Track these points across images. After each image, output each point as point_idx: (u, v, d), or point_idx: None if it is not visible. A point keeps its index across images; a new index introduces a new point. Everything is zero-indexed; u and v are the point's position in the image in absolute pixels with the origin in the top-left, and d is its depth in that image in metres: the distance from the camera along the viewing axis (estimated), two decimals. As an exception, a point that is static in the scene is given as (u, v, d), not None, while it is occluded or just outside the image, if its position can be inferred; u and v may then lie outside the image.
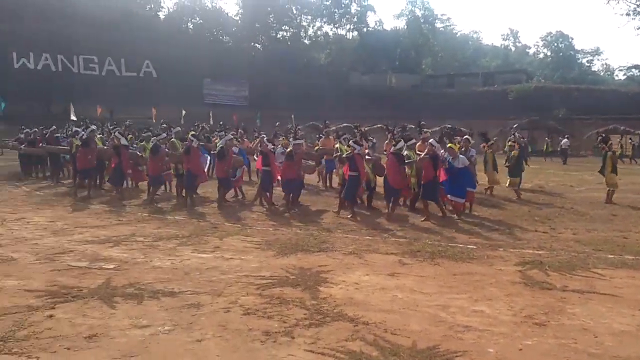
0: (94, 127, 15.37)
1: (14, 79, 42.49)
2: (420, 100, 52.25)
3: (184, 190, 12.46)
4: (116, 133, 14.16)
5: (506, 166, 14.24)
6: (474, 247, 8.14)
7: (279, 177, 12.04)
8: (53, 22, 45.72)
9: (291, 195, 11.76)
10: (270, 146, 12.20)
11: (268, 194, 11.95)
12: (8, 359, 4.13)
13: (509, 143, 14.93)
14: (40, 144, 16.84)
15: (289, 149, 11.84)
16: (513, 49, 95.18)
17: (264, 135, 14.12)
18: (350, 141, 11.55)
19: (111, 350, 4.29)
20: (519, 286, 6.12)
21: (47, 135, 17.19)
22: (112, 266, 6.86)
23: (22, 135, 18.40)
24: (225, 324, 4.88)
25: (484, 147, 14.21)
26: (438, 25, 78.56)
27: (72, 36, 46.80)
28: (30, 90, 41.05)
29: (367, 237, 8.86)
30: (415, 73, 67.11)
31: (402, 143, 10.96)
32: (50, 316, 5.02)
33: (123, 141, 13.40)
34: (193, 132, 14.39)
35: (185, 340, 4.50)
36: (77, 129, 15.86)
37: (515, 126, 29.01)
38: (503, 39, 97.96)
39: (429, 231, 9.43)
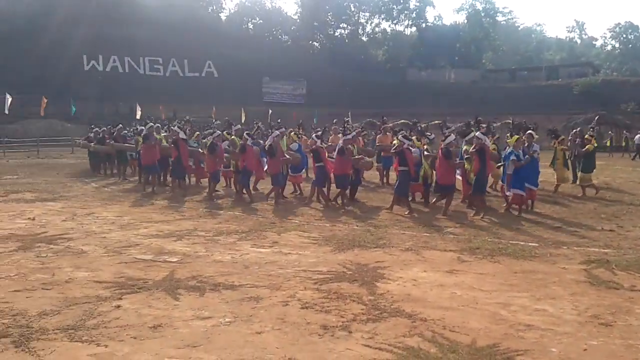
0: (151, 123, 15.92)
1: (84, 80, 44.52)
2: (481, 96, 51.19)
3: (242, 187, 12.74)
4: (175, 127, 14.55)
5: (569, 160, 13.80)
6: (536, 244, 7.91)
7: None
8: (121, 26, 47.62)
9: (347, 190, 11.80)
10: (318, 142, 12.27)
11: (325, 190, 12.01)
12: (79, 346, 4.33)
13: (587, 135, 14.33)
14: (108, 142, 17.55)
15: (339, 145, 11.86)
16: (579, 41, 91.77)
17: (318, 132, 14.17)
18: (399, 135, 11.49)
19: (175, 340, 4.44)
20: (583, 285, 5.92)
21: (114, 134, 17.90)
22: (175, 259, 7.09)
23: (92, 134, 19.23)
24: (283, 317, 4.95)
25: (554, 143, 13.79)
26: (499, 18, 76.53)
27: (138, 39, 48.63)
28: (99, 91, 42.88)
29: (425, 234, 8.76)
30: (475, 68, 65.75)
31: (451, 137, 10.84)
32: (118, 306, 5.24)
33: (181, 135, 13.78)
34: (248, 132, 14.63)
35: (245, 332, 4.60)
36: (142, 127, 16.45)
37: (580, 120, 27.91)
38: (568, 31, 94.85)
39: (488, 228, 9.24)
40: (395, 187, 11.16)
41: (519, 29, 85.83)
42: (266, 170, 12.84)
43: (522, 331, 4.61)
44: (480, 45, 70.94)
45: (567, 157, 13.88)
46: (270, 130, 15.73)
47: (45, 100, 33.21)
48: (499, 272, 6.45)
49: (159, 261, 7.01)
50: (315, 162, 12.04)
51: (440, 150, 10.77)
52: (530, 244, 7.97)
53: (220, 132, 14.21)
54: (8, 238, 8.35)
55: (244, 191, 12.57)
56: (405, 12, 69.08)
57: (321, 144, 12.30)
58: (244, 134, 13.21)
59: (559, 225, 9.50)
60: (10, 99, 31.10)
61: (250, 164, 12.47)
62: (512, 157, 10.30)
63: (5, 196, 13.15)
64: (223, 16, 65.23)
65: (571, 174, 14.41)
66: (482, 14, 72.28)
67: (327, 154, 12.06)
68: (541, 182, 13.53)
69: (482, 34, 70.17)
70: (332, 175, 11.99)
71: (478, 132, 10.77)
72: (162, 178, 15.30)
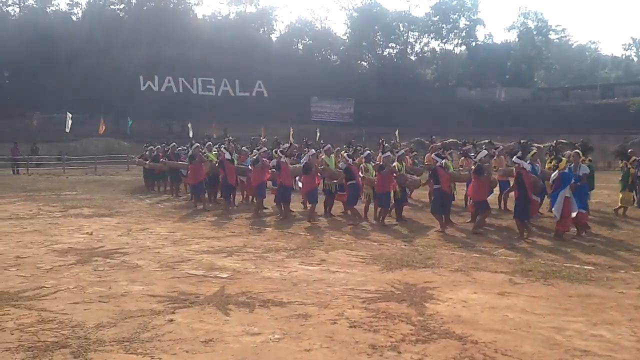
0: (209, 142, 16.34)
1: (140, 100, 46.05)
2: (532, 114, 50.06)
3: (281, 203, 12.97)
4: (222, 148, 14.95)
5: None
6: (592, 268, 7.65)
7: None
8: (176, 48, 49.20)
9: (394, 209, 11.84)
10: (350, 161, 12.36)
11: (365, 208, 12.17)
12: (134, 358, 4.47)
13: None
14: (162, 160, 18.06)
15: (379, 162, 11.94)
16: (635, 59, 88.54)
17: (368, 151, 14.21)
18: (433, 154, 11.50)
19: (226, 355, 4.52)
20: (643, 311, 5.69)
21: (168, 152, 18.41)
22: (226, 275, 7.23)
23: (147, 152, 19.84)
24: (332, 335, 4.97)
25: (625, 164, 13.33)
26: (552, 36, 74.79)
27: (192, 60, 50.08)
28: (154, 111, 44.24)
29: (475, 255, 8.62)
30: (527, 86, 64.43)
31: (482, 153, 11.07)
32: (171, 320, 5.37)
33: (227, 155, 14.06)
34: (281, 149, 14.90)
35: (294, 349, 4.64)
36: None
37: (637, 140, 26.85)
38: (624, 49, 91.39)
39: (541, 250, 8.99)
40: (431, 206, 11.35)
41: (573, 46, 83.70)
42: (301, 187, 13.06)
43: (577, 357, 4.48)
44: (531, 64, 69.55)
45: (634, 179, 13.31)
46: (306, 149, 15.99)
47: (103, 121, 34.57)
48: (553, 296, 6.28)
49: (210, 277, 7.15)
50: (347, 180, 12.15)
51: (472, 167, 10.83)
52: (585, 267, 7.72)
53: (266, 149, 14.52)
54: (67, 252, 8.70)
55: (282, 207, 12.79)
56: (455, 31, 68.53)
57: (352, 162, 12.43)
58: (278, 151, 13.47)
59: (617, 248, 9.16)
60: (71, 119, 32.57)
61: (286, 180, 12.76)
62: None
63: (64, 211, 13.71)
64: (274, 37, 66.48)
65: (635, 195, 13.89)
66: (534, 32, 70.92)
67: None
68: (597, 204, 13.14)
69: (534, 52, 68.82)
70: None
71: (515, 157, 10.60)
72: (213, 196, 15.60)
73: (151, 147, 19.97)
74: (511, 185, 11.11)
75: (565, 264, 7.87)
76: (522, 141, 12.87)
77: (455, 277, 7.16)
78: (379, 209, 11.84)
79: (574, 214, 9.83)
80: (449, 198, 11.58)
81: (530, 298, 6.18)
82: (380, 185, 11.60)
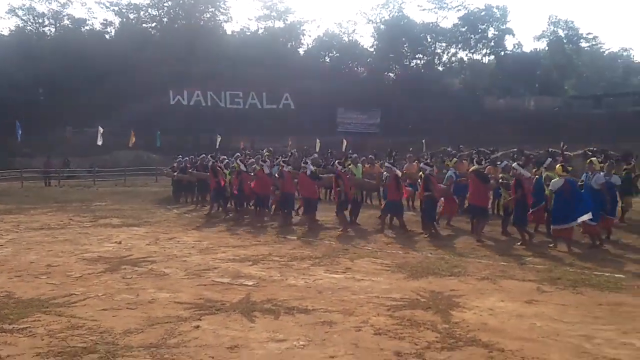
0: (206, 156, 17.22)
1: (170, 114, 46.82)
2: (562, 123, 49.17)
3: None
4: (237, 160, 15.10)
5: None
6: (623, 276, 7.48)
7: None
8: (205, 62, 49.98)
9: (394, 217, 12.18)
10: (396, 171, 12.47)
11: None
12: (160, 364, 4.53)
13: None
14: (190, 171, 18.29)
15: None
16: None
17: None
18: (421, 163, 12.07)
19: (251, 361, 4.55)
20: (676, 320, 5.53)
21: (196, 163, 18.64)
22: (251, 283, 7.27)
23: (175, 164, 20.13)
24: (357, 342, 4.95)
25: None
26: (583, 44, 73.56)
27: (221, 74, 50.76)
28: (183, 124, 44.89)
29: (502, 263, 8.50)
30: (557, 95, 63.42)
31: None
32: (197, 327, 5.43)
33: (242, 167, 14.42)
34: (284, 159, 15.27)
35: (319, 356, 4.64)
36: (225, 157, 17.18)
37: None
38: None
39: (570, 258, 8.82)
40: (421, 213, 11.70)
41: (604, 54, 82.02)
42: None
43: (607, 365, 4.37)
44: (562, 72, 68.49)
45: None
46: (332, 160, 16.20)
47: (134, 134, 35.19)
48: (582, 304, 6.15)
49: (236, 284, 7.21)
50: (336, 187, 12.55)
51: (473, 172, 11.13)
52: (616, 275, 7.55)
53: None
54: (97, 260, 8.87)
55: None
56: (484, 41, 67.92)
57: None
58: (281, 160, 13.65)
59: (650, 256, 8.93)
60: (102, 132, 33.29)
61: (291, 189, 13.21)
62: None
63: (94, 221, 13.97)
64: (301, 50, 66.96)
65: None
66: (565, 41, 69.92)
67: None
68: (628, 212, 12.80)
69: (564, 60, 67.82)
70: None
71: (515, 163, 10.73)
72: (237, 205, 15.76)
73: (179, 158, 20.25)
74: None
75: (595, 272, 7.71)
76: (550, 150, 12.72)
77: (482, 285, 7.07)
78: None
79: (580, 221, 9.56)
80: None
81: (559, 306, 6.07)
82: (390, 193, 11.93)
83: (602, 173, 10.52)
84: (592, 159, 10.69)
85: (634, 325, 5.36)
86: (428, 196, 11.23)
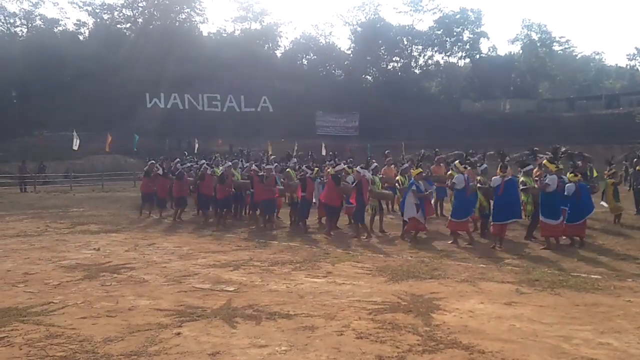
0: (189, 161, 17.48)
1: (147, 117, 46.33)
2: (537, 126, 49.99)
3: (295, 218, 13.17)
4: (205, 164, 15.30)
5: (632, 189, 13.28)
6: (599, 277, 7.64)
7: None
8: (181, 65, 49.56)
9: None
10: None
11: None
12: (141, 372, 4.50)
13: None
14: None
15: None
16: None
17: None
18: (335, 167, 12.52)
19: (232, 367, 4.54)
20: (650, 319, 5.66)
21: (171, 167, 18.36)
22: (232, 288, 7.25)
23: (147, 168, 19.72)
24: (339, 346, 4.98)
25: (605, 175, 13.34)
26: (556, 48, 74.86)
27: (198, 76, 50.43)
28: (160, 127, 44.45)
29: (481, 265, 8.61)
30: (531, 98, 64.50)
31: (341, 166, 12.71)
32: (178, 334, 5.40)
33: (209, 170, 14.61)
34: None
35: (301, 361, 4.66)
36: (204, 160, 16.99)
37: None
38: (629, 59, 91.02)
39: (547, 260, 8.97)
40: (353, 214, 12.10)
41: (577, 57, 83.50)
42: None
43: (585, 365, 4.47)
44: (536, 75, 69.66)
45: (616, 189, 13.19)
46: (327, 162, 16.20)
47: (110, 138, 34.73)
48: (560, 305, 6.27)
49: (217, 290, 7.18)
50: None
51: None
52: (592, 276, 7.71)
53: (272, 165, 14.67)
54: (75, 268, 8.75)
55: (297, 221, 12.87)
56: (459, 44, 68.71)
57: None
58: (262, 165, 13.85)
59: (623, 257, 9.13)
60: (78, 137, 32.76)
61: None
62: (413, 188, 10.93)
63: (72, 228, 13.78)
64: (279, 53, 66.94)
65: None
66: (538, 44, 71.08)
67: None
68: (604, 213, 13.10)
69: (538, 63, 68.93)
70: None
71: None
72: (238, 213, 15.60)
73: (152, 161, 19.72)
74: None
75: (572, 274, 7.86)
76: (535, 149, 12.89)
77: (462, 288, 7.15)
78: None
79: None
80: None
81: (537, 307, 6.17)
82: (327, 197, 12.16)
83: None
84: (544, 161, 10.75)
85: (610, 325, 5.48)
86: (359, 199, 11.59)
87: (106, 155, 37.41)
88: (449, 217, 11.06)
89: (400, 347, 4.91)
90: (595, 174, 13.13)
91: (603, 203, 13.16)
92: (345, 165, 13.33)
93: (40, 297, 6.87)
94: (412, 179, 11.30)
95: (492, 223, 10.40)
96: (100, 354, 4.84)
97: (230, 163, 15.34)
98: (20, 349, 5.00)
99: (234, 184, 14.42)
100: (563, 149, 12.22)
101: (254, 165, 14.11)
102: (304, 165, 13.85)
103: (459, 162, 11.68)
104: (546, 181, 9.96)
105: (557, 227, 9.98)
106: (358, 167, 12.68)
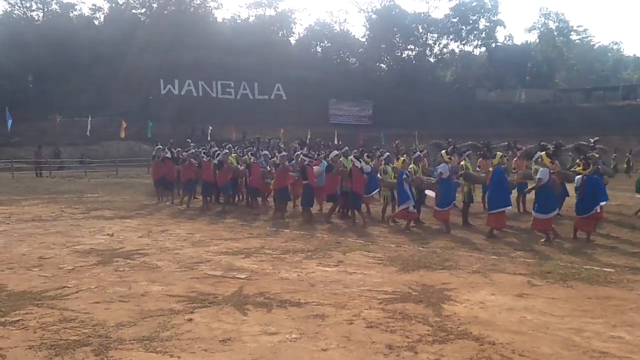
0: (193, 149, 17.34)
1: (161, 104, 46.54)
2: (553, 116, 49.49)
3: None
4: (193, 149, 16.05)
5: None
6: (612, 270, 7.58)
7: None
8: (196, 51, 49.64)
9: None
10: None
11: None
12: (153, 356, 4.53)
13: None
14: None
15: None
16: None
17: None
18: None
19: (243, 354, 4.56)
20: (664, 313, 5.62)
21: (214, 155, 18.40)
22: (244, 276, 7.29)
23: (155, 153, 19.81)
24: (349, 335, 4.99)
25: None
26: (573, 37, 73.88)
27: (212, 63, 50.46)
28: (174, 114, 44.62)
29: (493, 257, 8.58)
30: (547, 88, 63.76)
31: (334, 152, 13.15)
32: (190, 320, 5.44)
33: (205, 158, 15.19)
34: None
35: (311, 349, 4.67)
36: (216, 148, 17.09)
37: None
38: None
39: (560, 252, 8.91)
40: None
41: (595, 47, 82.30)
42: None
43: (596, 358, 4.45)
44: (552, 65, 68.86)
45: None
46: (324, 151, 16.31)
47: (125, 124, 34.95)
48: (572, 298, 6.23)
49: (229, 277, 7.22)
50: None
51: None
52: (605, 269, 7.64)
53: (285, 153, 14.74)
54: (89, 253, 8.84)
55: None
56: (475, 32, 67.95)
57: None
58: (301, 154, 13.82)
59: (637, 250, 9.05)
60: (90, 122, 32.98)
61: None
62: (404, 176, 11.20)
63: (86, 213, 13.92)
64: (293, 40, 66.69)
65: None
66: (555, 33, 70.23)
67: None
68: (618, 206, 12.96)
69: (554, 53, 68.14)
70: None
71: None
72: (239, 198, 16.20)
73: (159, 146, 19.74)
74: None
75: (584, 266, 7.80)
76: (542, 143, 12.75)
77: (473, 279, 7.13)
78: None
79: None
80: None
81: (549, 300, 6.14)
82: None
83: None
84: (542, 153, 10.59)
85: (622, 318, 5.45)
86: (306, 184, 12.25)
87: (120, 141, 37.65)
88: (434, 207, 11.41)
89: (411, 337, 4.91)
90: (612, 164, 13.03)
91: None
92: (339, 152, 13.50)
93: (54, 282, 6.95)
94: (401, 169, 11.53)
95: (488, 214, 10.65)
96: (113, 339, 4.89)
97: (227, 150, 15.71)
98: (35, 332, 5.07)
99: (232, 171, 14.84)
100: (594, 140, 12.15)
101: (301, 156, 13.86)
102: (302, 153, 13.92)
103: (445, 152, 11.78)
104: (538, 176, 9.87)
105: (547, 220, 9.82)
106: (351, 155, 12.76)
